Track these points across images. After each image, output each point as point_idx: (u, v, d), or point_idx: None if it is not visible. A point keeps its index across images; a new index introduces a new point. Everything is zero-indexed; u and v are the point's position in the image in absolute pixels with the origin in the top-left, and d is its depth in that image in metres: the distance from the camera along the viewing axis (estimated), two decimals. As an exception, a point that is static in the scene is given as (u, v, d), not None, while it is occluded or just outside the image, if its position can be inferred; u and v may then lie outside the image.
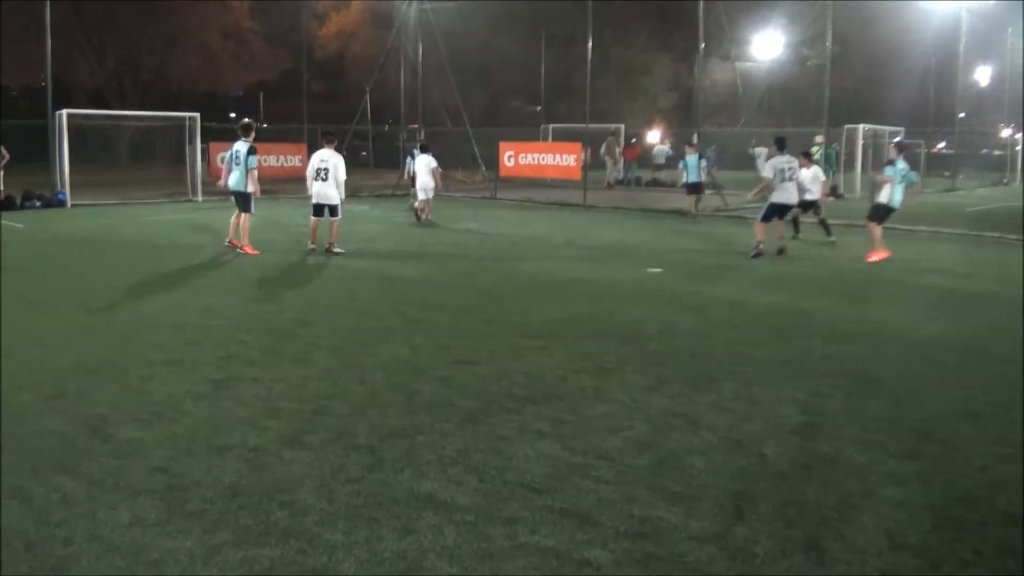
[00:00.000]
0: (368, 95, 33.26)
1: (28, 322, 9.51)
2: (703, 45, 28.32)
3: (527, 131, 37.88)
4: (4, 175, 22.91)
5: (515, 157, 31.10)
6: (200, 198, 26.37)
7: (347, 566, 4.17)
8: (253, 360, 7.91)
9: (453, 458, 5.53)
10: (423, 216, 21.02)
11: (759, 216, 15.68)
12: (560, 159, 30.27)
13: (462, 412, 6.44)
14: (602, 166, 35.05)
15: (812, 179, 16.90)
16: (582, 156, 29.40)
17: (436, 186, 21.24)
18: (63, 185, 24.27)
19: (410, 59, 32.67)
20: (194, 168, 27.28)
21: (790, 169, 15.20)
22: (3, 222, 19.42)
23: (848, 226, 18.97)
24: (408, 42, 32.31)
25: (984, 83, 48.32)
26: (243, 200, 15.01)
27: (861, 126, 30.37)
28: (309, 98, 38.62)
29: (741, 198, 26.03)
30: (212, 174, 27.79)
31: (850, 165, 30.87)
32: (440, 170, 21.32)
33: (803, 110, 38.69)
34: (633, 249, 16.39)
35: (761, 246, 15.06)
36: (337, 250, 14.88)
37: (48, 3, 24.79)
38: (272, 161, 30.95)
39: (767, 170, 15.40)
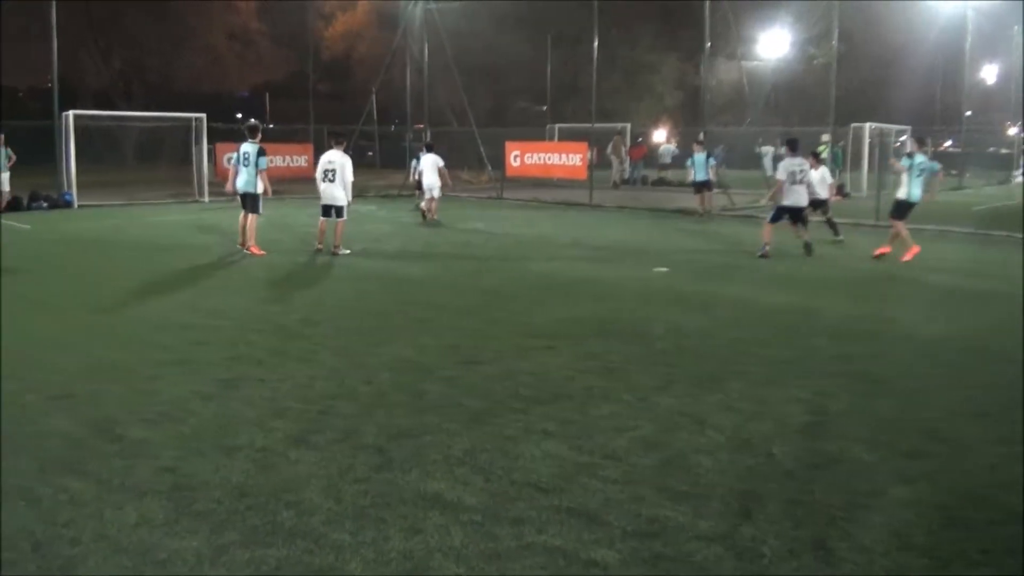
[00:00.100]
0: (374, 96, 33.26)
1: (35, 323, 9.54)
2: (709, 44, 28.26)
3: (533, 131, 37.88)
4: (11, 176, 22.94)
5: (521, 157, 31.09)
6: (207, 199, 26.40)
7: (354, 566, 4.17)
8: (260, 360, 7.92)
9: (460, 458, 5.53)
10: (429, 215, 21.07)
11: (768, 217, 15.64)
12: (566, 159, 30.24)
13: (469, 412, 6.44)
14: (608, 165, 35.02)
15: (820, 180, 16.86)
16: (588, 156, 29.38)
17: (446, 184, 21.36)
18: (70, 186, 24.35)
19: (416, 59, 32.65)
20: (200, 169, 27.32)
21: (801, 172, 15.11)
22: (10, 223, 19.46)
23: (855, 225, 18.96)
24: (414, 42, 32.29)
25: (991, 81, 48.18)
26: (252, 201, 15.05)
27: (867, 125, 30.30)
28: (315, 98, 38.63)
29: (748, 197, 26.04)
30: (218, 175, 27.83)
31: (856, 164, 30.80)
32: (446, 169, 21.41)
33: (809, 109, 38.62)
34: (639, 248, 16.37)
35: (767, 248, 15.02)
36: (342, 251, 14.90)
37: (54, 5, 24.84)
38: (279, 161, 30.95)
39: (780, 172, 15.33)
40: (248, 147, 14.99)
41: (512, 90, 50.50)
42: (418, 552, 4.30)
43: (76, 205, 23.94)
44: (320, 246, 15.22)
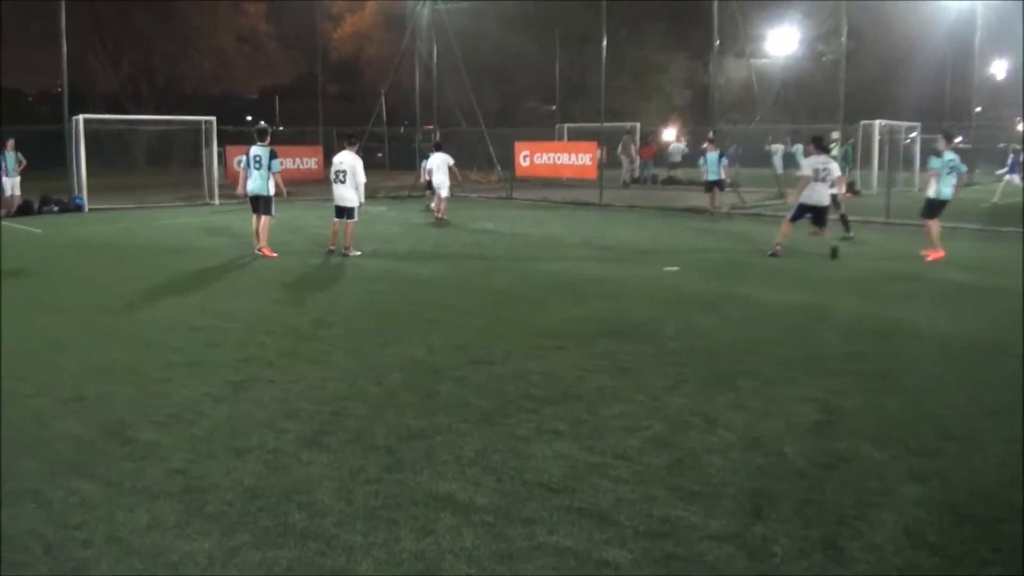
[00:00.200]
0: (383, 97, 33.30)
1: (46, 325, 9.57)
2: (718, 42, 28.24)
3: (542, 131, 37.86)
4: (21, 180, 23.05)
5: (530, 157, 31.10)
6: (217, 201, 26.46)
7: (365, 567, 4.18)
8: (271, 362, 7.93)
9: (471, 459, 5.54)
10: (438, 215, 21.16)
11: (788, 215, 15.50)
12: (575, 158, 30.25)
13: (479, 412, 6.44)
14: (618, 165, 34.99)
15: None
16: (598, 155, 29.36)
17: (456, 182, 21.57)
18: (80, 190, 24.42)
19: (424, 60, 32.68)
20: (211, 171, 27.38)
21: (824, 169, 14.86)
22: (21, 227, 19.55)
23: (865, 223, 18.90)
24: (422, 43, 32.32)
25: (1000, 76, 47.95)
26: (264, 203, 15.09)
27: (877, 122, 30.20)
28: (324, 100, 38.77)
29: (758, 196, 25.99)
30: (228, 177, 27.91)
31: (867, 161, 30.70)
32: (456, 168, 21.56)
33: (818, 106, 38.50)
34: (649, 248, 16.35)
35: (779, 247, 14.95)
36: (353, 253, 14.92)
37: (63, 8, 24.93)
38: (288, 163, 30.96)
39: (805, 168, 15.14)
40: (259, 150, 15.02)
41: (521, 90, 50.49)
42: (430, 553, 4.30)
43: (87, 209, 24.01)
44: (333, 247, 15.24)
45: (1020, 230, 17.90)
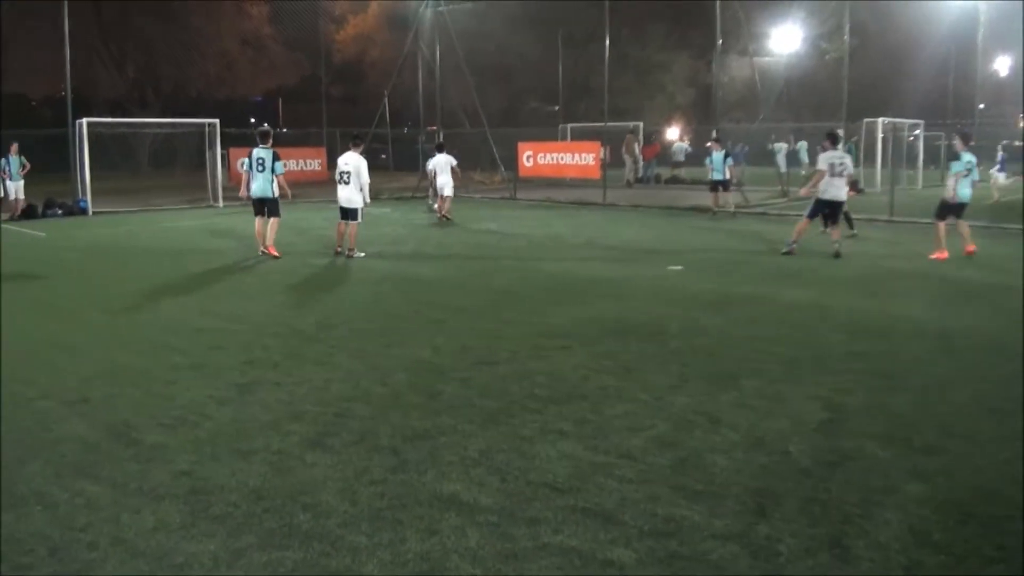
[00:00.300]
0: (386, 98, 33.32)
1: (51, 328, 9.59)
2: (720, 41, 28.22)
3: (545, 131, 37.86)
4: (25, 184, 23.11)
5: (534, 157, 31.12)
6: (221, 204, 26.52)
7: (370, 568, 4.18)
8: (276, 364, 7.94)
9: (475, 459, 5.54)
10: (441, 215, 21.22)
11: (806, 212, 15.41)
12: (579, 158, 30.25)
13: (484, 413, 6.45)
14: (621, 164, 34.99)
15: None
16: (602, 154, 29.35)
17: (457, 182, 21.59)
18: (84, 193, 24.49)
19: (427, 61, 32.70)
20: (215, 174, 27.45)
21: (841, 164, 14.81)
22: (26, 231, 19.59)
23: (869, 221, 18.88)
24: (425, 44, 32.33)
25: (1003, 73, 47.87)
26: (272, 205, 15.14)
27: (880, 120, 30.18)
28: (328, 102, 38.76)
29: (761, 194, 25.96)
30: (232, 180, 27.95)
31: (870, 159, 30.66)
32: (458, 168, 21.67)
33: (822, 104, 38.48)
34: (653, 247, 16.35)
35: (795, 245, 14.89)
36: (357, 254, 14.93)
37: (66, 10, 24.97)
38: (292, 165, 31.04)
39: (820, 163, 15.04)
40: (263, 152, 15.02)
41: (524, 90, 50.48)
42: (435, 553, 4.30)
43: (91, 212, 24.06)
44: (339, 248, 15.26)
45: (1021, 227, 17.88)
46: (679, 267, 13.70)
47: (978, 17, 34.30)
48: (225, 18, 48.51)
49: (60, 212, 23.69)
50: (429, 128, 35.06)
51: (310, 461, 5.52)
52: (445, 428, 6.11)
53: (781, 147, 34.14)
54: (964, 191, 14.49)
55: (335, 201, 15.44)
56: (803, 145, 36.97)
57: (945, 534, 4.50)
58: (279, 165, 15.08)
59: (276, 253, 14.93)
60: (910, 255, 14.79)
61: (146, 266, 14.48)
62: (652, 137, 38.89)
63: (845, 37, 27.66)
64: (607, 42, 28.36)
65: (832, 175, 14.75)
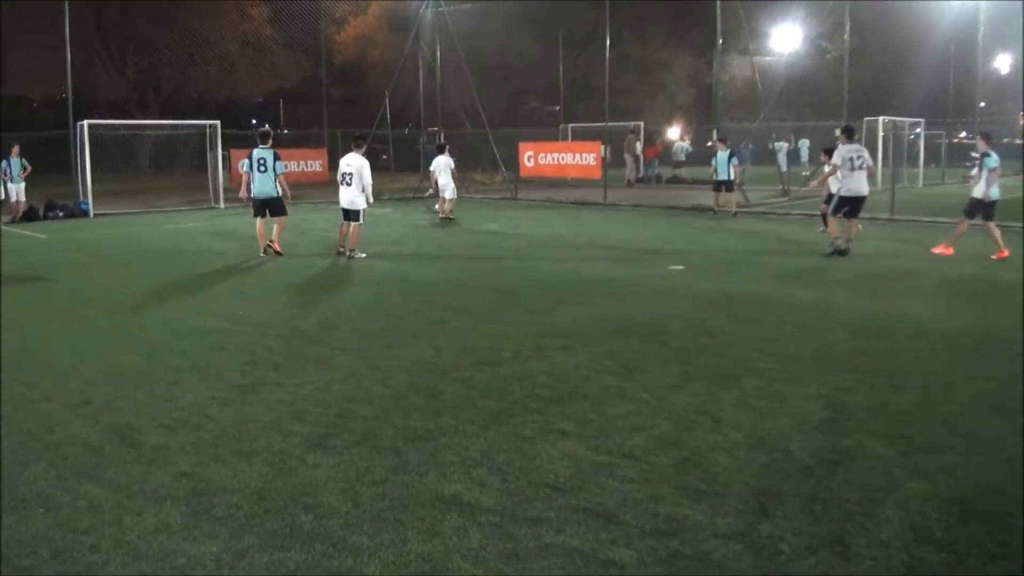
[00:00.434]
0: (387, 99, 33.32)
1: (53, 330, 9.60)
2: (721, 40, 28.22)
3: (546, 131, 37.88)
4: (26, 186, 23.13)
5: (535, 157, 31.13)
6: (222, 205, 26.55)
7: (372, 568, 4.18)
8: (278, 365, 7.95)
9: (477, 459, 5.54)
10: (443, 215, 21.26)
11: (830, 210, 15.18)
12: (580, 158, 30.27)
13: (485, 413, 6.45)
14: (622, 164, 34.99)
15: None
16: (603, 154, 29.35)
17: (456, 183, 21.67)
18: (85, 195, 24.51)
19: (428, 62, 32.73)
20: (216, 175, 27.48)
21: (859, 158, 14.55)
22: (27, 233, 19.61)
23: (870, 219, 18.85)
24: (426, 45, 32.36)
25: (1004, 71, 47.82)
26: (276, 205, 15.24)
27: (881, 118, 30.16)
28: (329, 103, 38.74)
29: (762, 194, 25.95)
30: (233, 181, 27.95)
31: (871, 158, 30.60)
32: (456, 171, 21.79)
33: (822, 103, 38.42)
34: (654, 247, 16.35)
35: (839, 241, 14.64)
36: (359, 255, 14.94)
37: (67, 12, 24.99)
38: (293, 166, 31.06)
39: (835, 158, 14.81)
40: (264, 153, 15.05)
41: (524, 90, 50.44)
42: (436, 554, 4.31)
43: (92, 214, 24.08)
44: (341, 249, 15.29)
45: (1021, 226, 17.86)
46: (680, 267, 13.70)
47: (978, 15, 34.32)
48: (226, 20, 48.51)
49: (61, 214, 23.71)
50: (430, 129, 35.08)
51: (312, 462, 5.52)
52: (447, 428, 6.11)
53: (782, 146, 34.15)
54: (995, 189, 14.35)
55: (336, 202, 15.46)
56: (804, 144, 36.97)
57: (947, 532, 4.49)
58: (280, 165, 15.14)
59: (280, 250, 15.10)
60: (911, 254, 14.78)
61: (148, 268, 14.50)
62: (653, 137, 38.87)
63: (846, 36, 27.63)
64: (608, 42, 28.38)
65: (852, 169, 14.52)
